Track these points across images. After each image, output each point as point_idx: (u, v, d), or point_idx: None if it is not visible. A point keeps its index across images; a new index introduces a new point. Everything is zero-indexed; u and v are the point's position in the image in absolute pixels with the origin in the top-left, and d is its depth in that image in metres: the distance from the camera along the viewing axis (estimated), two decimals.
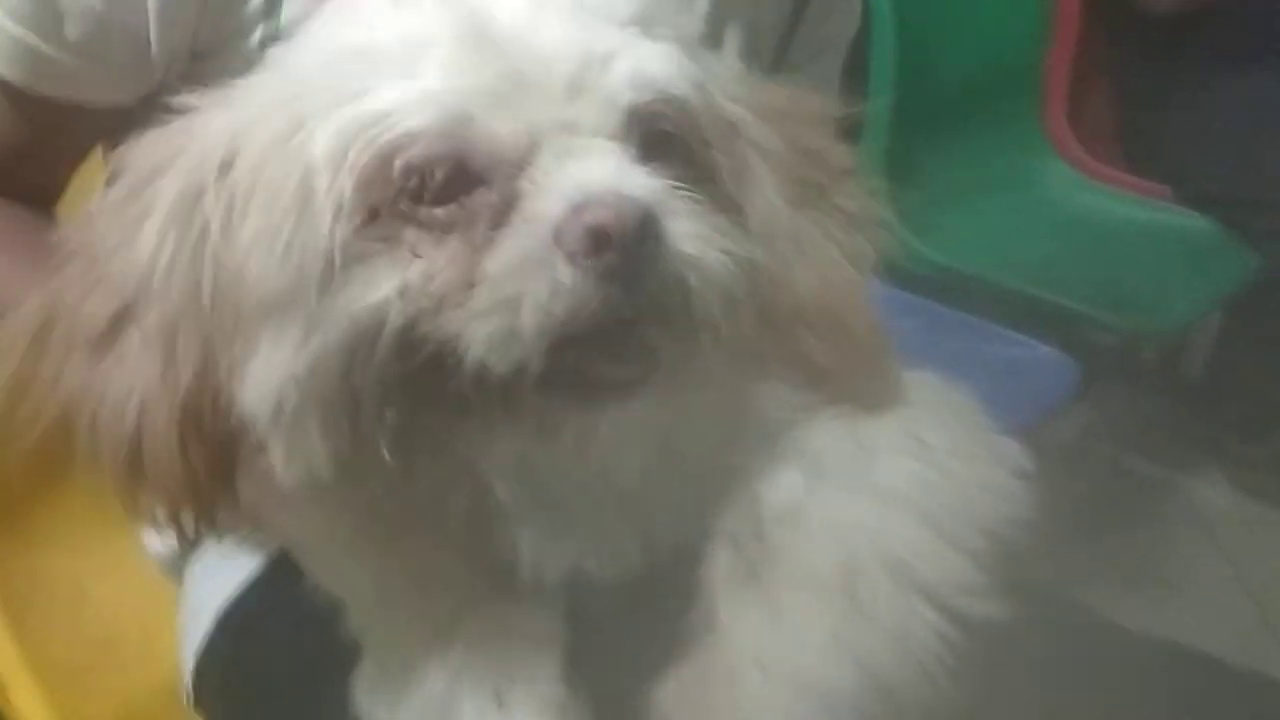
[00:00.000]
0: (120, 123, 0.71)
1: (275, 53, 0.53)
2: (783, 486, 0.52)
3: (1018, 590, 0.50)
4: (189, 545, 0.79)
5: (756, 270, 0.48)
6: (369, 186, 0.45)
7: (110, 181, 0.50)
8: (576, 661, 0.53)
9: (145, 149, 0.50)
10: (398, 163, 0.44)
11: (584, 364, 0.45)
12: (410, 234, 0.45)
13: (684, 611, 0.52)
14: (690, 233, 0.45)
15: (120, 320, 0.49)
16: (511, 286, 0.43)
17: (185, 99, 0.51)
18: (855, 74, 0.99)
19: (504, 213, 0.45)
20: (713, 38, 0.73)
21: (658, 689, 0.51)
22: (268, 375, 0.46)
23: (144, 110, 0.70)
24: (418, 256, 0.44)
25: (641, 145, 0.47)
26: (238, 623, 0.74)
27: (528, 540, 0.52)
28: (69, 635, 1.00)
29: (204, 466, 0.49)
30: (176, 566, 0.85)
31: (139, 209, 0.49)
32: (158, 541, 0.86)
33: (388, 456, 0.47)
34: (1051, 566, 0.52)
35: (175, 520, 0.52)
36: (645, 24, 0.49)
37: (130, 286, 0.49)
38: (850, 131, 0.61)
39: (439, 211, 0.45)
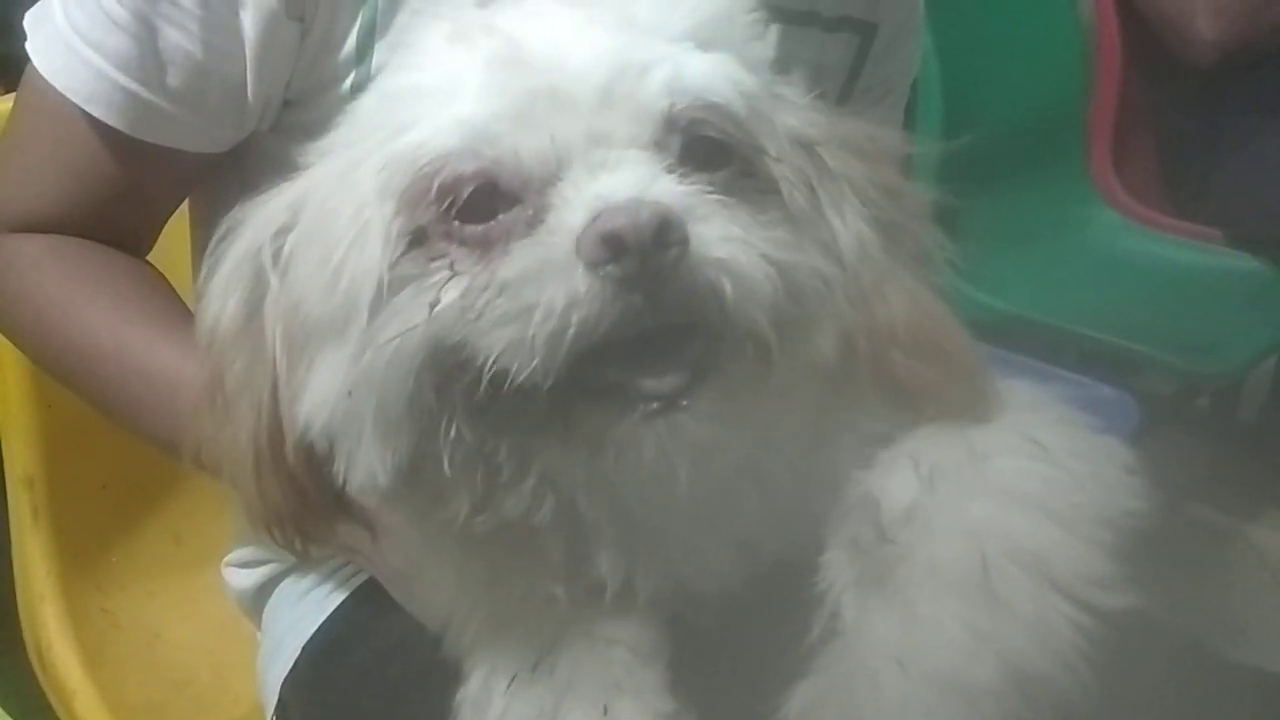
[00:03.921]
0: (212, 168, 0.74)
1: (345, 112, 0.56)
2: (900, 490, 0.52)
3: (1141, 584, 0.50)
4: (299, 564, 0.81)
5: (834, 289, 0.48)
6: (412, 209, 0.47)
7: (216, 240, 0.55)
8: (684, 673, 0.54)
9: (241, 215, 0.54)
10: (434, 183, 0.46)
11: (622, 376, 0.45)
12: (450, 251, 0.47)
13: (801, 618, 0.52)
14: (723, 236, 0.45)
15: (214, 379, 0.53)
16: (527, 294, 0.44)
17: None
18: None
19: (534, 227, 0.46)
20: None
21: (789, 697, 0.51)
22: (323, 390, 0.49)
23: (234, 156, 0.73)
24: (455, 273, 0.46)
25: (685, 154, 0.47)
26: (322, 653, 0.76)
27: (614, 555, 0.53)
28: (144, 675, 1.02)
29: (282, 494, 0.53)
30: (256, 603, 0.87)
31: (214, 277, 0.53)
32: (238, 579, 0.88)
33: (447, 469, 0.48)
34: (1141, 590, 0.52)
35: (279, 538, 0.55)
36: (704, 42, 0.50)
37: (202, 335, 0.54)
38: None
39: (476, 229, 0.47)
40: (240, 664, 0.96)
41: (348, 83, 0.69)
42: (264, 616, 0.86)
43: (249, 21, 0.66)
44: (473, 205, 0.47)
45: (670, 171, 0.46)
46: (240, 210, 0.54)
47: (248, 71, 0.68)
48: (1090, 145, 2.11)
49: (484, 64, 0.48)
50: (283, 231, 0.52)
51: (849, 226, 0.51)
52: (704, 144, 0.48)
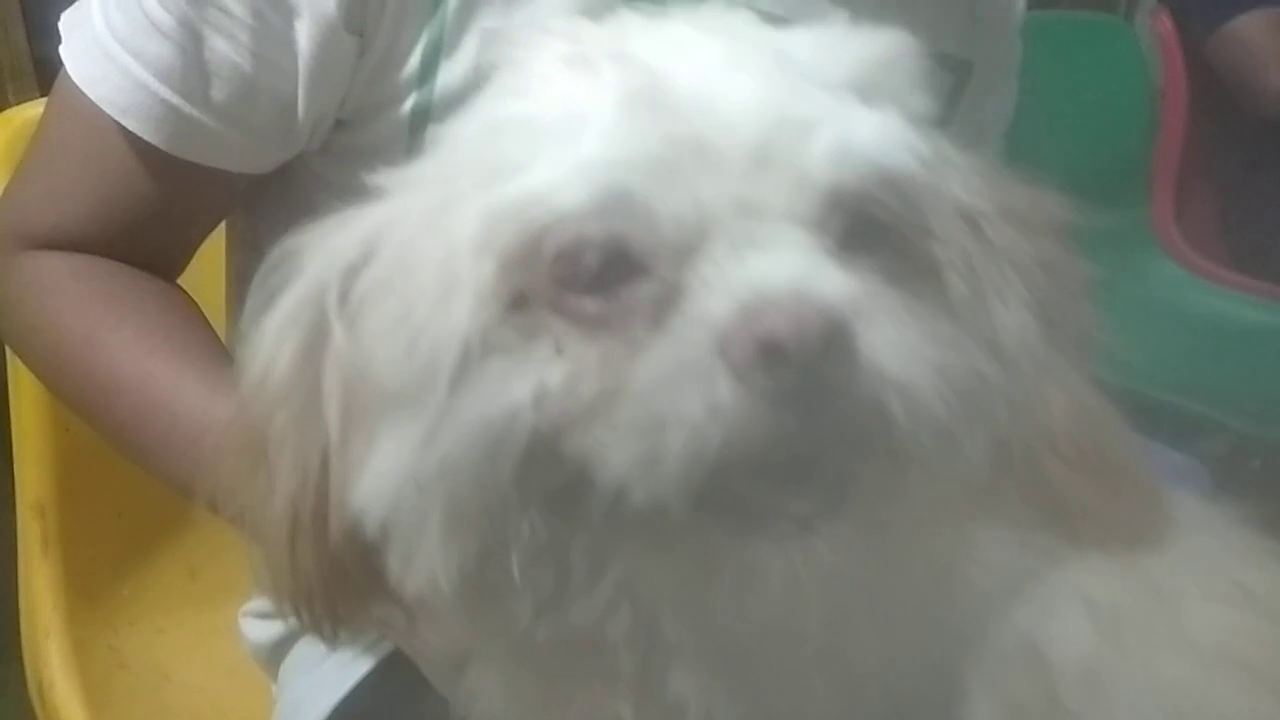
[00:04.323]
0: (254, 189, 0.68)
1: (435, 134, 0.48)
2: (1074, 641, 0.44)
3: None
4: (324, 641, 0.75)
5: (992, 391, 0.40)
6: (516, 271, 0.39)
7: (266, 272, 0.46)
8: None
9: (299, 244, 0.46)
10: (548, 245, 0.38)
11: (753, 490, 0.38)
12: (557, 326, 0.39)
13: None
14: (894, 346, 0.37)
15: (243, 415, 0.46)
16: (660, 403, 0.36)
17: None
18: None
19: (664, 310, 0.38)
20: None
21: None
22: (386, 474, 0.41)
23: (279, 177, 0.67)
24: (562, 353, 0.38)
25: (843, 235, 0.39)
26: None
27: (697, 678, 0.45)
28: (149, 717, 0.96)
29: (315, 570, 0.45)
30: (273, 658, 0.81)
31: (267, 318, 0.45)
32: (256, 631, 0.82)
33: (516, 575, 0.41)
34: None
35: (308, 619, 0.48)
36: (866, 92, 0.42)
37: (249, 384, 0.45)
38: None
39: (590, 303, 0.38)
40: (251, 713, 0.90)
41: (408, 104, 0.64)
42: (280, 673, 0.81)
43: (304, 34, 0.61)
44: (589, 274, 0.39)
45: (832, 258, 0.39)
46: (299, 238, 0.46)
47: (299, 88, 0.62)
48: (1153, 196, 2.07)
49: (616, 100, 0.39)
50: (353, 271, 0.43)
51: (1013, 314, 0.43)
52: (866, 222, 0.40)
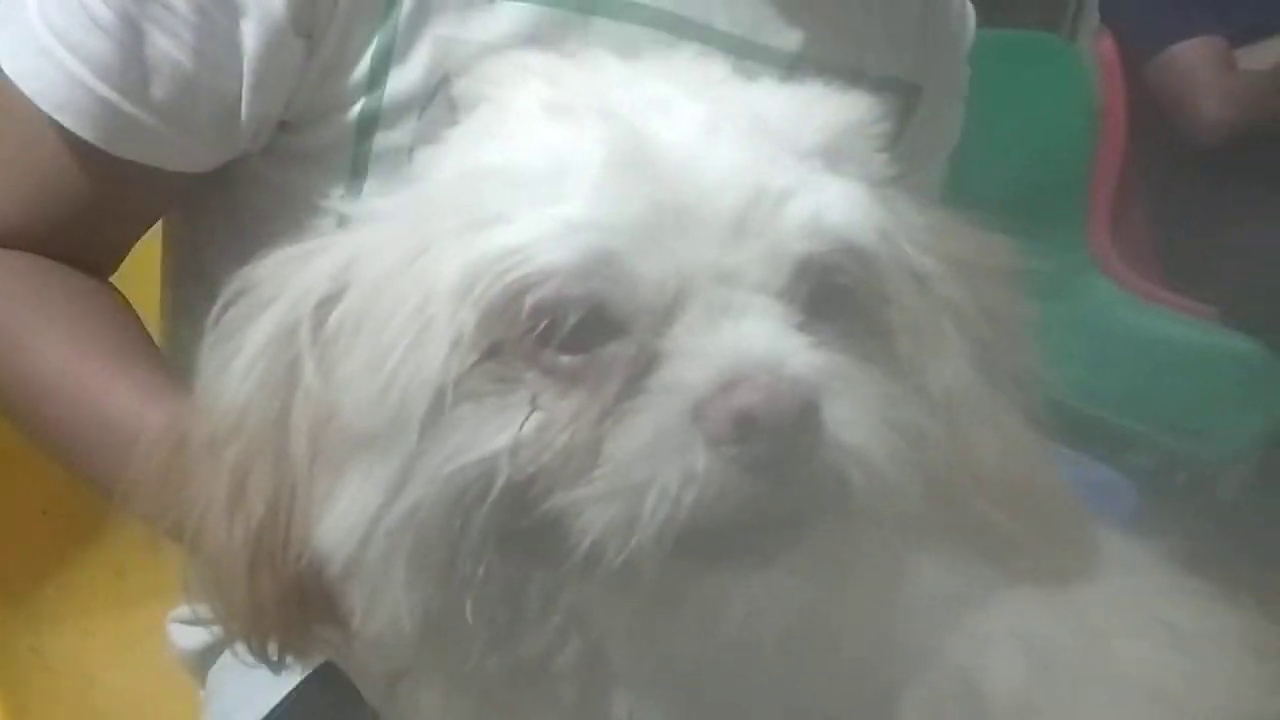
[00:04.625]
0: (190, 189, 0.67)
1: (382, 140, 0.48)
2: (1006, 675, 0.46)
3: None
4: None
5: (929, 439, 0.42)
6: (494, 321, 0.40)
7: (225, 302, 0.46)
8: None
9: (260, 274, 0.46)
10: (528, 300, 0.39)
11: (718, 538, 0.39)
12: (531, 379, 0.40)
13: None
14: (854, 418, 0.39)
15: (209, 448, 0.45)
16: (638, 470, 0.37)
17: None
18: None
19: (640, 373, 0.39)
20: None
21: None
22: (351, 516, 0.41)
23: (218, 176, 0.66)
24: (537, 408, 0.39)
25: (808, 302, 0.41)
26: None
27: (641, 705, 0.46)
28: None
29: (272, 600, 0.45)
30: (202, 664, 0.80)
31: (236, 341, 0.45)
32: (184, 638, 0.81)
33: (469, 616, 0.41)
34: None
35: (255, 646, 0.47)
36: (832, 157, 0.44)
37: (216, 418, 0.45)
38: None
39: (566, 360, 0.40)
40: (178, 717, 0.88)
41: (356, 109, 0.63)
42: (210, 680, 0.80)
43: (250, 33, 0.60)
44: (567, 332, 0.39)
45: (800, 328, 0.40)
46: (258, 268, 0.46)
47: (243, 88, 0.61)
48: (1090, 213, 2.11)
49: (601, 159, 0.40)
50: (325, 304, 0.44)
51: (950, 365, 0.45)
52: (829, 289, 0.42)
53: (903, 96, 0.78)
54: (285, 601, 0.44)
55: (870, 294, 0.43)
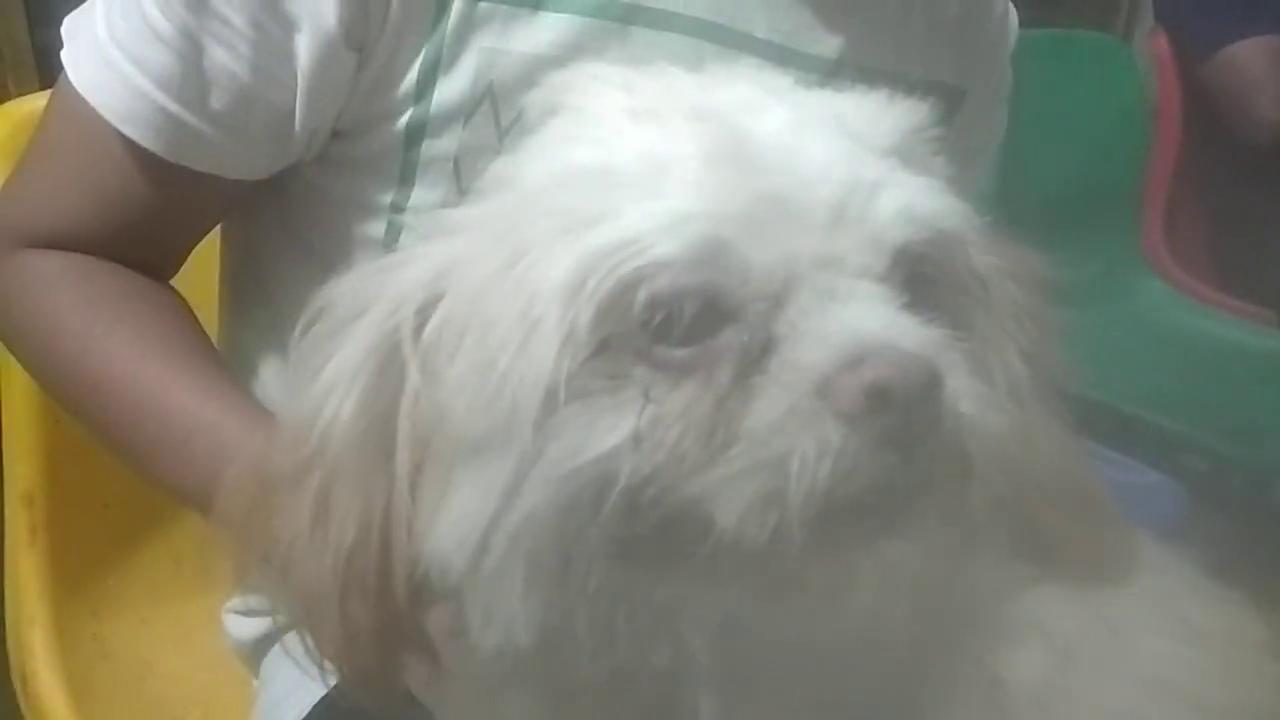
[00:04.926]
0: (247, 195, 0.69)
1: (492, 175, 0.49)
2: (1027, 666, 0.47)
3: None
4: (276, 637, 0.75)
5: (1010, 433, 0.42)
6: (607, 316, 0.40)
7: (306, 323, 0.46)
8: None
9: (345, 290, 0.46)
10: (642, 293, 0.39)
11: (850, 519, 0.39)
12: (642, 373, 0.40)
13: None
14: (969, 392, 0.40)
15: (297, 472, 0.45)
16: (777, 445, 0.38)
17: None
18: None
19: (756, 358, 0.39)
20: None
21: None
22: (466, 525, 0.41)
23: (273, 183, 0.69)
24: (650, 400, 0.39)
25: (906, 289, 0.42)
26: None
27: (710, 703, 0.46)
28: (129, 706, 0.97)
29: (367, 629, 0.44)
30: (255, 654, 0.82)
31: (322, 358, 0.45)
32: (239, 628, 0.83)
33: (584, 626, 0.42)
34: None
35: (349, 676, 0.47)
36: (905, 157, 0.45)
37: (305, 438, 0.45)
38: None
39: (680, 352, 0.40)
40: (232, 705, 0.91)
41: (404, 119, 0.64)
42: (263, 669, 0.82)
43: (303, 47, 0.62)
44: (684, 323, 0.40)
45: (904, 310, 0.41)
46: (343, 284, 0.46)
47: (297, 99, 0.63)
48: (1143, 215, 2.09)
49: (703, 154, 0.41)
50: (425, 309, 0.44)
51: (1013, 365, 0.46)
52: (919, 278, 0.43)
53: (945, 100, 0.79)
54: (381, 631, 0.44)
55: (951, 285, 0.45)
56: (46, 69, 1.46)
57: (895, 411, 0.38)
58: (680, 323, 0.39)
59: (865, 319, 0.40)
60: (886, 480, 0.38)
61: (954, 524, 0.41)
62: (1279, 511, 2.15)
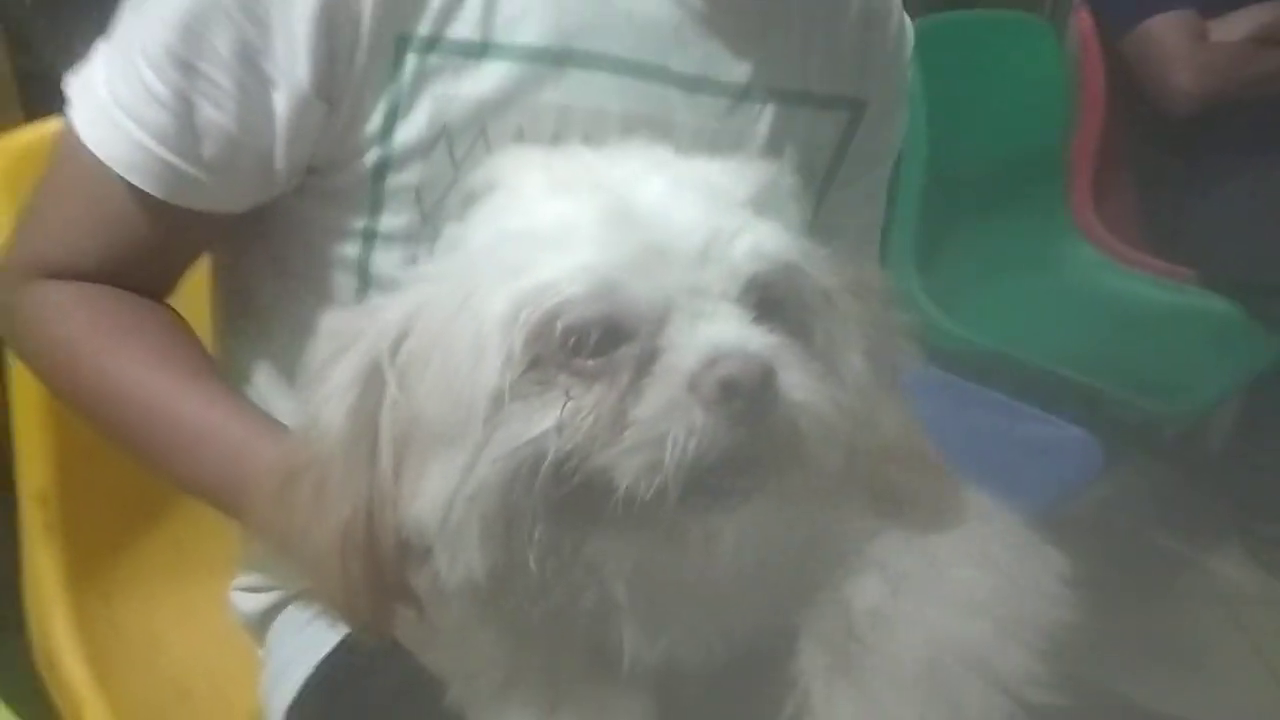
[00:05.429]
0: (234, 223, 0.79)
1: (446, 238, 0.64)
2: (867, 593, 0.60)
3: (1065, 680, 0.58)
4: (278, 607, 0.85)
5: (849, 416, 0.55)
6: (535, 341, 0.53)
7: (315, 353, 0.59)
8: None
9: (339, 325, 0.59)
10: (559, 323, 0.52)
11: (714, 477, 0.52)
12: (563, 379, 0.52)
13: (773, 699, 0.59)
14: (799, 383, 0.53)
15: (308, 467, 0.58)
16: (657, 428, 0.51)
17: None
18: None
19: (646, 365, 0.52)
20: (773, 155, 0.80)
21: None
22: (439, 493, 0.54)
23: (257, 212, 0.78)
24: (570, 398, 0.52)
25: (756, 308, 0.55)
26: (327, 685, 0.80)
27: (631, 634, 0.59)
28: (145, 681, 1.05)
29: (364, 584, 0.58)
30: (262, 625, 0.91)
31: (323, 378, 0.58)
32: (245, 603, 0.92)
33: (533, 567, 0.54)
34: (1085, 652, 0.60)
35: (355, 625, 0.61)
36: (759, 206, 0.58)
37: (314, 444, 0.58)
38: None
39: (590, 363, 0.53)
40: (238, 676, 1.00)
41: (371, 156, 0.74)
42: (268, 639, 0.91)
43: (281, 101, 0.71)
44: (591, 343, 0.53)
45: (753, 324, 0.54)
46: (338, 321, 0.59)
47: (277, 144, 0.72)
48: (1071, 181, 2.17)
49: (599, 217, 0.55)
50: (400, 340, 0.57)
51: (855, 361, 0.59)
52: (769, 300, 0.56)
53: (849, 111, 0.88)
54: (374, 585, 0.58)
55: (796, 304, 0.58)
56: (29, 96, 1.49)
57: (740, 398, 0.51)
58: (589, 342, 0.53)
59: (722, 332, 0.53)
60: (737, 450, 0.51)
61: (796, 484, 0.54)
62: (1200, 461, 2.28)
